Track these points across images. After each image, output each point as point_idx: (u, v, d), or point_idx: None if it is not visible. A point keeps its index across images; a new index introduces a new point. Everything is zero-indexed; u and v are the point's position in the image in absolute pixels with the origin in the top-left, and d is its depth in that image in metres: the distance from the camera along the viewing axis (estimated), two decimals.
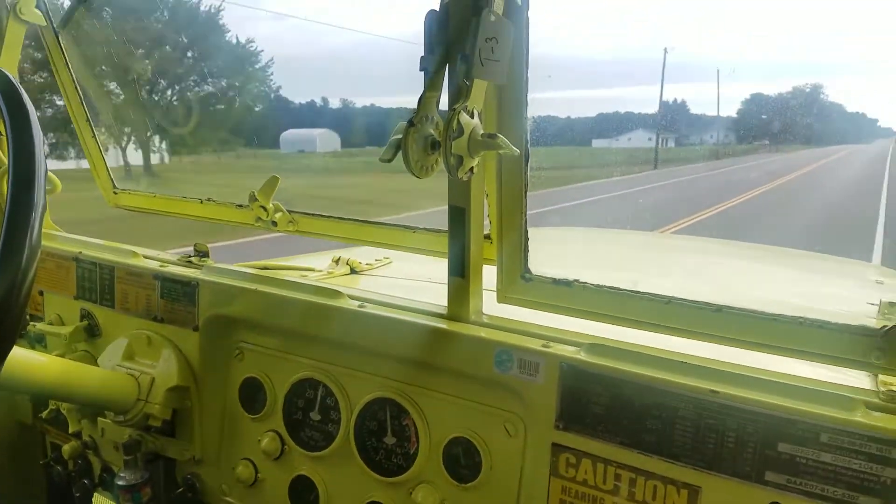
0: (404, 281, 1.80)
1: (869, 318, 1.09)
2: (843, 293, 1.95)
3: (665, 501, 0.97)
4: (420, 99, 0.98)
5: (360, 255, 1.92)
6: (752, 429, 0.89)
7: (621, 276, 1.18)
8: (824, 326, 0.94)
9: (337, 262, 1.86)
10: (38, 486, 1.97)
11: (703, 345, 1.02)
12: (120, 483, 1.45)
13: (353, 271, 1.85)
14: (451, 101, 0.96)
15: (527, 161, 1.10)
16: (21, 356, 1.24)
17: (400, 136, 0.97)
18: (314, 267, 1.82)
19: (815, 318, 0.95)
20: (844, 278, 2.19)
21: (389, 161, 1.03)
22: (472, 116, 0.95)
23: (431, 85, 0.98)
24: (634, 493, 0.99)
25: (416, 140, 0.97)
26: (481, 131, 0.96)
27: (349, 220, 1.59)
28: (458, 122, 0.93)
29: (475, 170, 1.00)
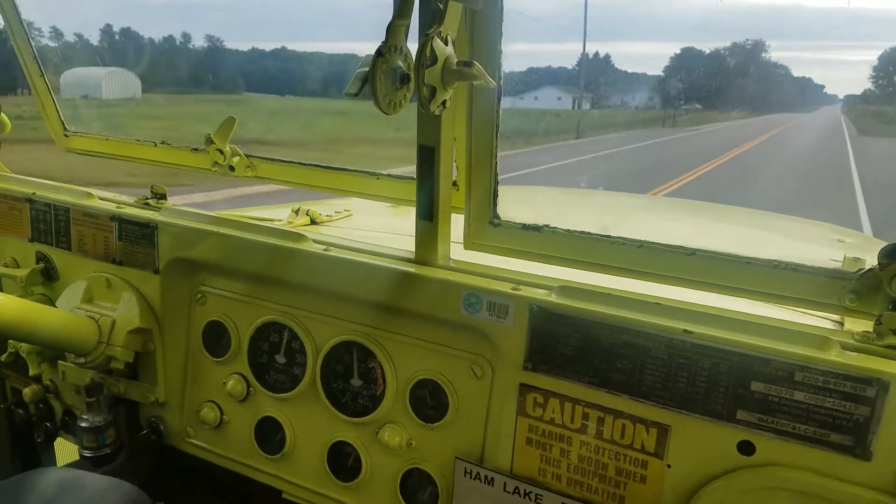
0: (366, 232, 1.70)
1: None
2: (806, 253, 1.92)
3: (634, 440, 0.92)
4: (388, 27, 0.87)
5: (320, 209, 1.82)
6: (725, 368, 0.84)
7: (591, 223, 1.11)
8: (798, 270, 0.89)
9: (297, 212, 1.75)
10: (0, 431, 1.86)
11: (676, 290, 0.97)
12: (83, 425, 1.34)
13: (313, 222, 1.75)
14: (423, 27, 0.86)
15: (499, 98, 1.01)
16: None
17: (366, 69, 0.87)
18: (273, 218, 1.71)
19: (789, 261, 0.90)
20: (806, 240, 2.17)
21: (355, 95, 0.92)
22: (445, 44, 0.85)
23: (401, 11, 0.87)
24: (602, 432, 0.94)
25: (384, 72, 0.87)
26: (456, 60, 0.86)
27: (310, 165, 1.47)
28: (432, 48, 0.83)
29: (447, 104, 0.91)
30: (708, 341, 0.84)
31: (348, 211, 1.82)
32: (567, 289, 0.95)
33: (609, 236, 1.00)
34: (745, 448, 0.84)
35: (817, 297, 0.87)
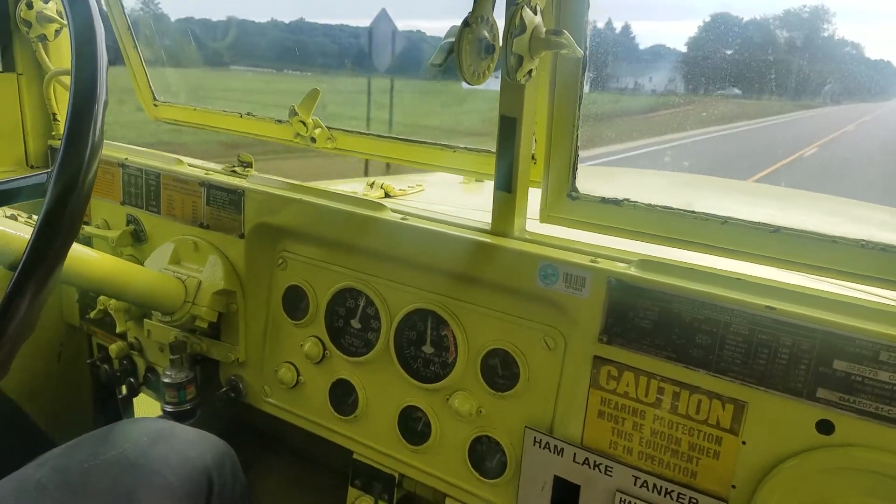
0: (439, 206, 1.74)
1: None
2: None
3: (709, 415, 0.92)
4: None
5: (393, 183, 1.86)
6: (807, 345, 0.83)
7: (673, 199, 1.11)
8: (887, 250, 0.87)
9: (371, 185, 1.80)
10: (84, 386, 1.99)
11: (757, 268, 0.96)
12: (166, 380, 1.44)
13: (387, 195, 1.79)
14: None
15: (584, 69, 1.01)
16: (76, 251, 1.21)
17: (452, 40, 0.89)
18: (348, 190, 1.76)
19: (878, 241, 0.88)
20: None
21: (440, 66, 0.95)
22: (535, 13, 0.87)
23: None
24: (677, 406, 0.95)
25: (470, 42, 0.89)
26: (545, 29, 0.87)
27: (389, 137, 1.51)
28: (521, 17, 0.85)
29: (533, 73, 0.92)
30: (791, 318, 0.84)
31: (420, 186, 1.86)
32: (647, 262, 0.96)
33: (692, 211, 1.00)
34: (824, 427, 0.84)
35: None
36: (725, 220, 0.97)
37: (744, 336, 0.87)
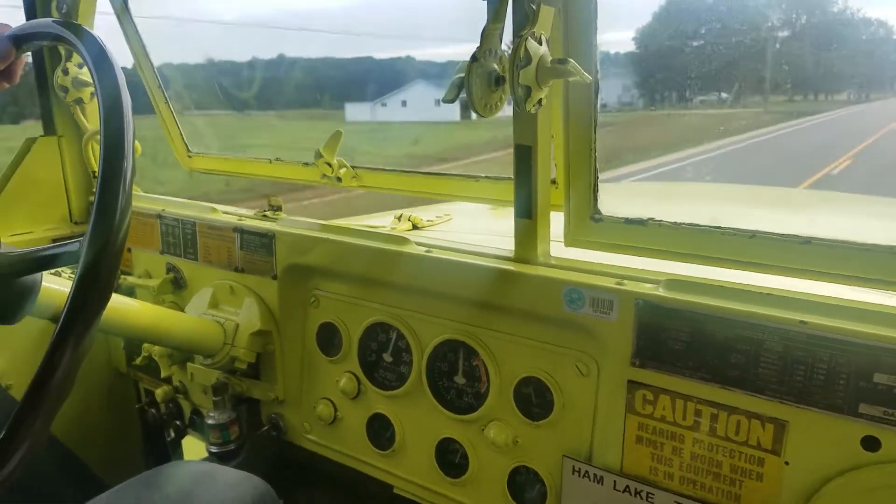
0: (467, 235, 1.74)
1: None
2: None
3: (749, 436, 0.89)
4: (483, 32, 0.91)
5: (421, 215, 1.87)
6: (844, 360, 0.80)
7: (699, 213, 1.08)
8: None
9: (399, 218, 1.82)
10: (133, 429, 2.04)
11: (788, 280, 0.93)
12: (210, 422, 1.46)
13: (414, 227, 1.81)
14: (517, 29, 0.88)
15: (596, 92, 1.01)
16: (119, 302, 1.27)
17: (462, 75, 0.90)
18: (377, 225, 1.78)
19: None
20: None
21: (452, 101, 0.97)
22: (539, 43, 0.87)
23: (495, 15, 0.90)
24: (716, 429, 0.92)
25: (479, 76, 0.90)
26: (550, 58, 0.87)
27: (411, 172, 1.53)
28: (526, 49, 0.85)
29: (543, 102, 0.92)
30: (825, 331, 0.81)
31: (448, 215, 1.87)
32: (674, 282, 0.94)
33: (719, 227, 0.98)
34: (870, 444, 0.80)
35: None
36: (753, 234, 0.95)
37: (778, 353, 0.85)
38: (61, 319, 0.74)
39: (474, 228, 1.81)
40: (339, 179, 1.58)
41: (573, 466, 1.05)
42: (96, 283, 0.76)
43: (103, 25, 1.80)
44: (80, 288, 0.75)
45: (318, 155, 1.56)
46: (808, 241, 0.91)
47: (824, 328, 0.81)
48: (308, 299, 1.39)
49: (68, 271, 1.38)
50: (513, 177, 1.07)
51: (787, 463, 0.87)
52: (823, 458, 0.84)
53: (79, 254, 0.78)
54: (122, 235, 0.78)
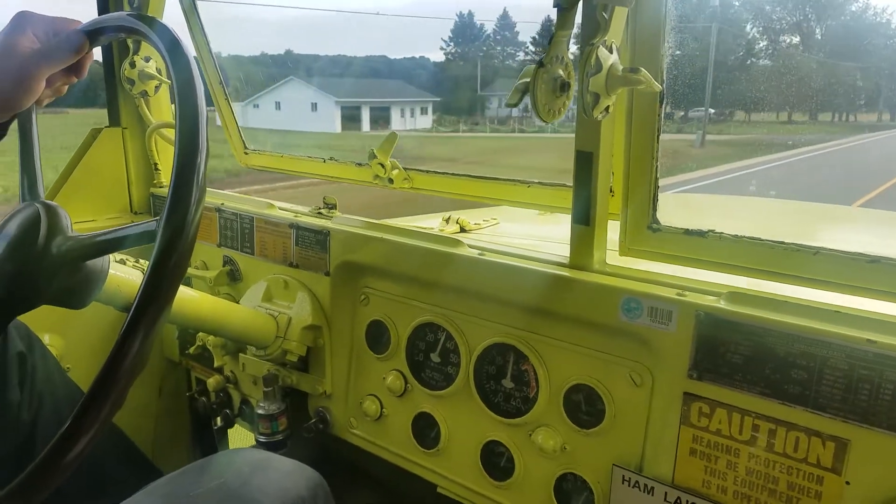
0: (514, 239, 1.74)
1: None
2: None
3: (808, 454, 0.87)
4: (551, 39, 0.91)
5: (468, 218, 1.87)
6: None
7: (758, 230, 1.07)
8: None
9: (447, 220, 1.83)
10: (182, 417, 2.09)
11: (851, 299, 0.91)
12: (260, 412, 1.49)
13: (462, 230, 1.81)
14: (587, 37, 0.88)
15: (662, 101, 1.00)
16: (181, 292, 1.29)
17: (527, 80, 0.90)
18: (425, 227, 1.79)
19: None
20: None
21: (515, 105, 0.97)
22: (610, 51, 0.87)
23: (563, 22, 0.90)
24: (774, 445, 0.90)
25: (545, 81, 0.90)
26: (621, 67, 0.87)
27: (463, 175, 1.54)
28: (597, 57, 0.85)
29: (610, 110, 0.92)
30: (893, 351, 0.78)
31: (495, 219, 1.87)
32: (737, 295, 0.93)
33: (782, 242, 0.96)
34: None
35: None
36: (818, 251, 0.93)
37: (843, 371, 0.83)
38: (134, 305, 0.76)
39: (522, 233, 1.81)
40: (391, 181, 1.60)
41: (623, 476, 1.04)
42: (171, 263, 0.77)
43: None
44: (156, 267, 0.77)
45: (373, 156, 1.58)
46: (876, 260, 0.89)
47: (892, 348, 0.79)
48: (358, 296, 1.41)
49: (132, 261, 1.42)
50: (571, 183, 1.07)
51: (847, 483, 0.85)
52: (887, 480, 0.82)
53: (155, 234, 0.79)
54: (198, 219, 0.80)
